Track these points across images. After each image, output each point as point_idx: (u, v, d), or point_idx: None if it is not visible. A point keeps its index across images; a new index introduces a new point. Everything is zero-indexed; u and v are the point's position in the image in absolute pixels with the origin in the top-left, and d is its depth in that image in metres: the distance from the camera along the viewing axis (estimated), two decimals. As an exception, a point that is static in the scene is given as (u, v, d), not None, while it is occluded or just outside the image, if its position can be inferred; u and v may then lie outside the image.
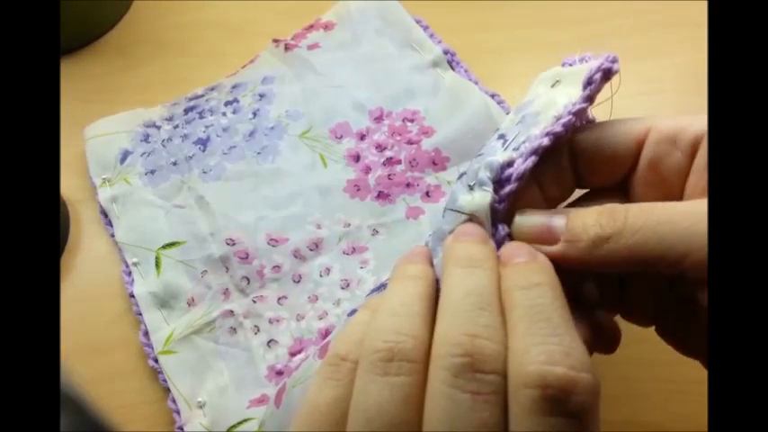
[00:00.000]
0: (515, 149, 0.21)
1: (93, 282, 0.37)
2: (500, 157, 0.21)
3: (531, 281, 0.19)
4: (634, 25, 0.44)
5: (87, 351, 0.35)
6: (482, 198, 0.20)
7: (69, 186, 0.40)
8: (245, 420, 0.31)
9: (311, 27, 0.44)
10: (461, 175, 0.22)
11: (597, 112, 0.40)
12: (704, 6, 0.27)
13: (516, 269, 0.19)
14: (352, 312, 0.27)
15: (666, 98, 0.41)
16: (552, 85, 0.24)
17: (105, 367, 0.34)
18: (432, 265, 0.22)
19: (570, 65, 0.24)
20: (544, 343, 0.17)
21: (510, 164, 0.21)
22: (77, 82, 0.44)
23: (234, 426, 0.31)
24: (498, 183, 0.21)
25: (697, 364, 0.24)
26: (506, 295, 0.19)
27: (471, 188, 0.21)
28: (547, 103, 0.22)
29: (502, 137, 0.22)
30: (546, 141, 0.21)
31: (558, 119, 0.21)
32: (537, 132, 0.21)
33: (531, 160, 0.21)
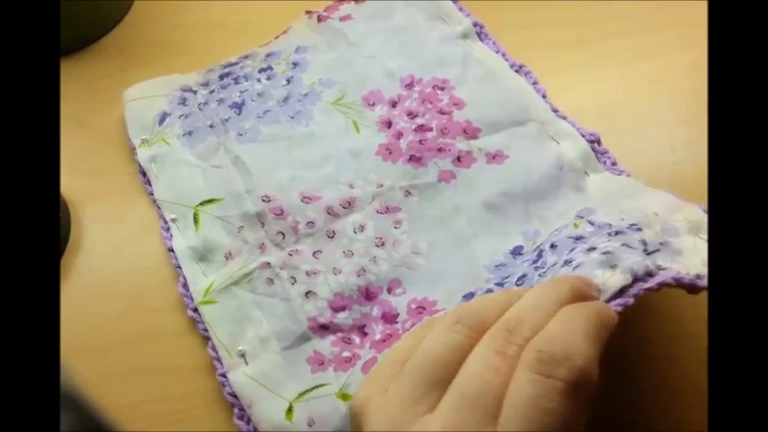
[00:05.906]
0: (656, 266, 0.27)
1: (94, 282, 0.37)
2: (648, 262, 0.27)
3: (584, 306, 0.24)
4: (634, 26, 0.44)
5: (88, 351, 0.35)
6: (616, 282, 0.26)
7: (69, 186, 0.40)
8: (319, 386, 0.32)
9: (342, 0, 0.45)
10: (604, 253, 0.27)
11: (597, 112, 0.40)
12: (704, 6, 0.27)
13: (582, 301, 0.25)
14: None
15: (666, 98, 0.41)
16: (699, 234, 0.29)
17: (106, 367, 0.34)
18: None
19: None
20: (560, 334, 0.23)
21: (651, 273, 0.26)
22: (77, 82, 0.44)
23: (307, 391, 0.32)
24: (634, 278, 0.26)
25: (697, 364, 0.24)
26: (562, 309, 0.24)
27: (613, 267, 0.26)
28: (689, 244, 0.29)
29: (643, 242, 0.28)
30: (672, 282, 0.26)
31: (697, 277, 0.27)
32: (680, 270, 0.27)
33: (660, 283, 0.26)
